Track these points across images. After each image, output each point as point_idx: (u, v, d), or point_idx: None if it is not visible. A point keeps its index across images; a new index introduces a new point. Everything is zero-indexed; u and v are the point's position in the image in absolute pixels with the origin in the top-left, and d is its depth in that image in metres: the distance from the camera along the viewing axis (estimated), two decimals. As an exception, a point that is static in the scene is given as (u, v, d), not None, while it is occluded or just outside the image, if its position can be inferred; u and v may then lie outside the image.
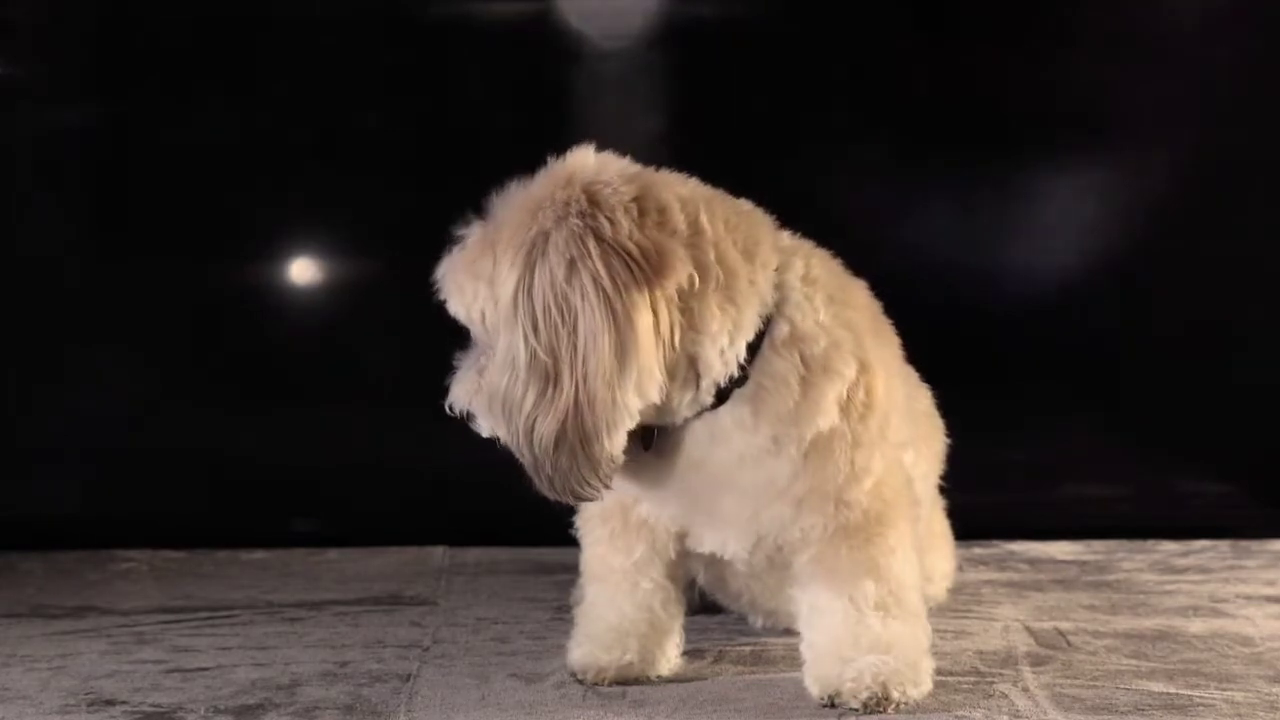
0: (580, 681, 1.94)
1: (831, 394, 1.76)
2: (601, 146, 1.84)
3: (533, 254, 1.70)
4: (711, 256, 1.73)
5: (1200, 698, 1.84)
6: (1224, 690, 1.87)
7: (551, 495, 1.75)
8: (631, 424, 1.71)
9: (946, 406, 2.25)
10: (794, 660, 1.93)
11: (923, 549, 2.06)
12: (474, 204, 3.22)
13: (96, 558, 2.98)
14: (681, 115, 3.12)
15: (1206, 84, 3.10)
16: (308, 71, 3.13)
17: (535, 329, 1.68)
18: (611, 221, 1.69)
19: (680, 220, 1.74)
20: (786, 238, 1.87)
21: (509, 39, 3.13)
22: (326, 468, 3.12)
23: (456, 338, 1.85)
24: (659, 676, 1.94)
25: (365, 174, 3.14)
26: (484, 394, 1.77)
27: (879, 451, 1.81)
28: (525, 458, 1.73)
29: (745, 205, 1.85)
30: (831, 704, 1.79)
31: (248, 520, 3.15)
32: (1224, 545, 2.96)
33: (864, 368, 1.79)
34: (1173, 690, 1.88)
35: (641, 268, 1.68)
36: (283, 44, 3.13)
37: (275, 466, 3.13)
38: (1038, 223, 3.14)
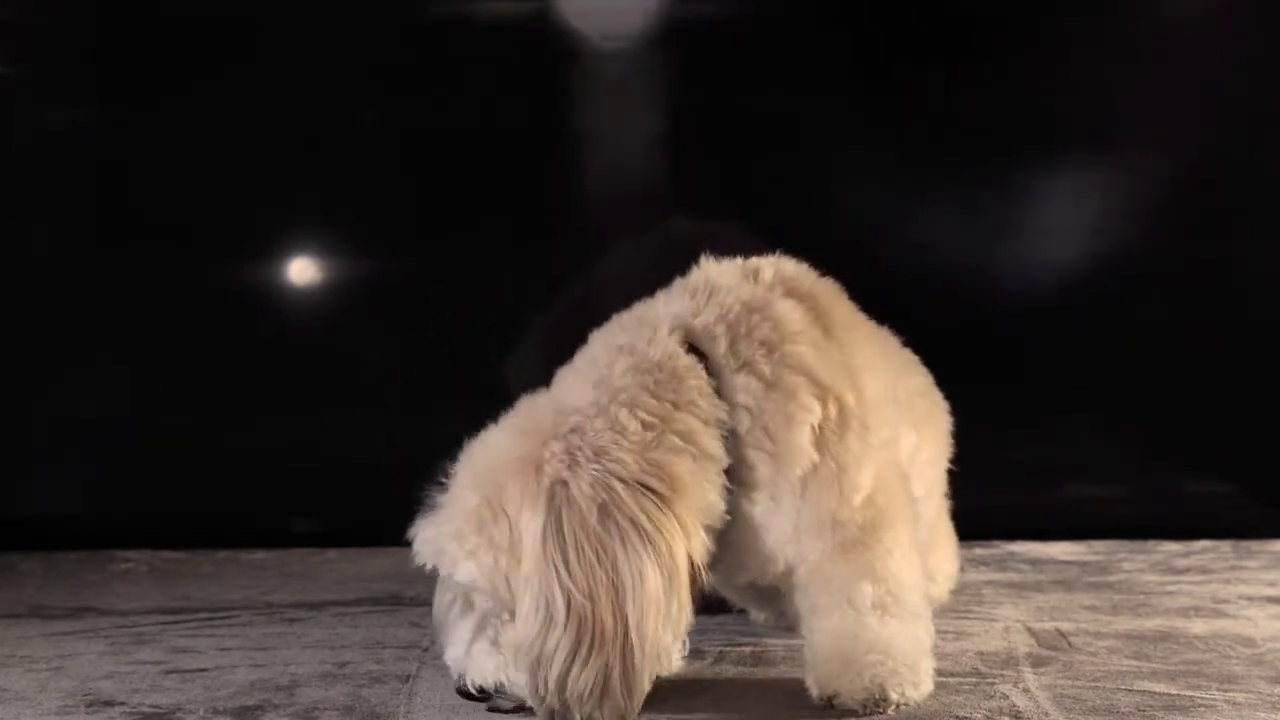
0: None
1: (801, 439, 1.78)
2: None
3: (555, 502, 1.67)
4: (678, 440, 1.73)
5: (1202, 699, 1.84)
6: (1225, 691, 1.87)
7: None
8: (667, 667, 1.72)
9: (947, 406, 2.25)
10: (794, 661, 1.93)
11: (927, 548, 2.05)
12: (473, 203, 3.24)
13: (95, 558, 2.98)
14: (681, 115, 3.12)
15: (1206, 84, 3.10)
16: (308, 71, 3.13)
17: (571, 575, 1.65)
18: (620, 461, 1.69)
19: (638, 429, 1.73)
20: (683, 309, 1.84)
21: (509, 39, 3.13)
22: (326, 468, 3.12)
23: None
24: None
25: (365, 174, 3.14)
26: (510, 657, 1.72)
27: (865, 465, 1.82)
28: (553, 707, 1.67)
29: (633, 343, 1.81)
30: (830, 704, 1.79)
31: (248, 520, 3.15)
32: (1225, 546, 2.96)
33: (824, 394, 1.80)
34: (1174, 691, 1.87)
35: (665, 497, 1.69)
36: (282, 44, 3.13)
37: (275, 466, 3.13)
38: (1038, 223, 3.13)
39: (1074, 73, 3.10)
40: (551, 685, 1.66)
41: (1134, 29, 3.13)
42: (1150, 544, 2.99)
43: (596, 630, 1.64)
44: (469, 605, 1.77)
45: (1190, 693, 1.86)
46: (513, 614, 1.72)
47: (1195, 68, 3.09)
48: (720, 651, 2.09)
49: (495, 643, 1.74)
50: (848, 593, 1.81)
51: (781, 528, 1.82)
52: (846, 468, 1.80)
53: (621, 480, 1.68)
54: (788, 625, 2.12)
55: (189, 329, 3.16)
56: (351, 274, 3.21)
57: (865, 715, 1.76)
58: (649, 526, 1.66)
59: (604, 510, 1.66)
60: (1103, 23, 3.12)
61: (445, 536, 1.73)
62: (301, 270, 3.19)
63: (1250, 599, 2.45)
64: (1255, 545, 2.96)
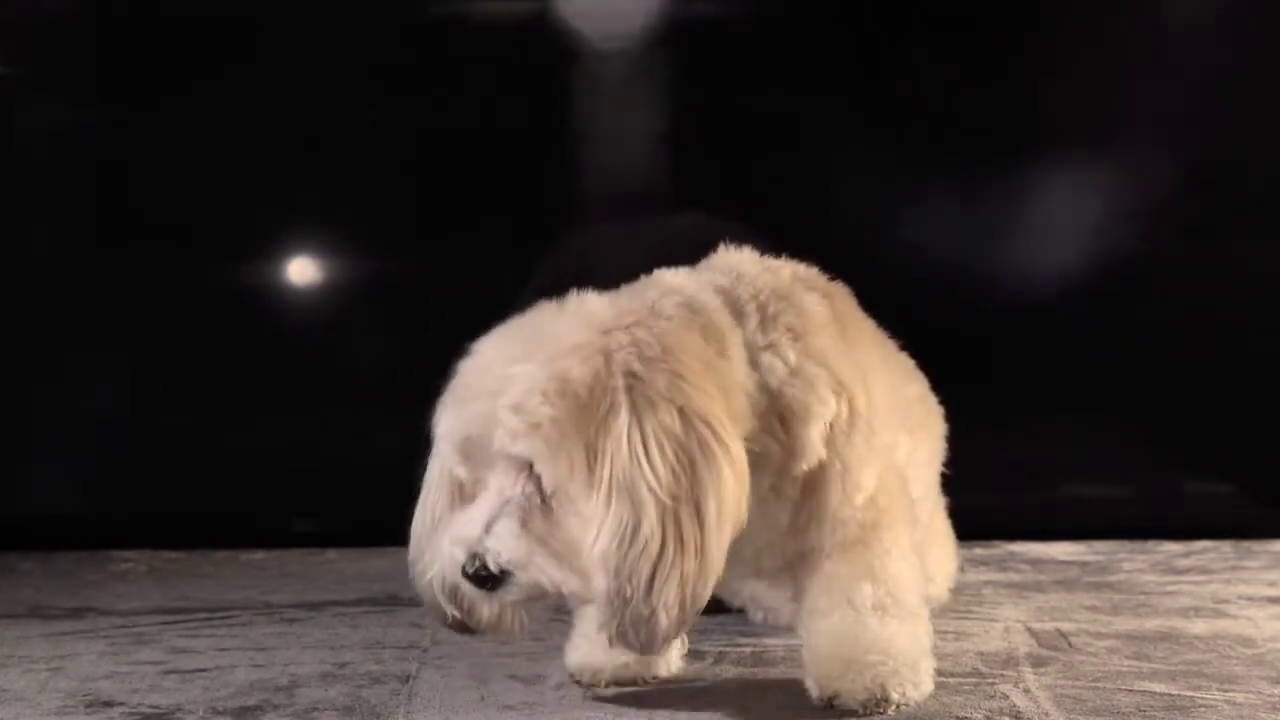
0: (578, 683, 1.93)
1: (814, 435, 1.77)
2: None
3: (634, 396, 1.62)
4: (719, 391, 1.70)
5: (1202, 699, 1.83)
6: (1226, 691, 1.87)
7: (635, 649, 1.65)
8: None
9: (946, 407, 2.24)
10: (794, 661, 1.93)
11: (924, 549, 2.05)
12: (473, 203, 3.24)
13: (94, 558, 2.98)
14: (681, 115, 3.12)
15: (1206, 84, 3.10)
16: (308, 71, 3.13)
17: (657, 476, 1.60)
18: (689, 366, 1.66)
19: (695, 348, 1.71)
20: (718, 278, 1.83)
21: (509, 39, 3.14)
22: (326, 468, 3.12)
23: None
24: (656, 678, 1.94)
25: (365, 174, 3.15)
26: (548, 547, 1.64)
27: (869, 466, 1.81)
28: (640, 612, 1.61)
29: (680, 287, 1.80)
30: (831, 705, 1.79)
31: (247, 520, 3.15)
32: (1226, 546, 2.96)
33: (840, 391, 1.79)
34: (1174, 691, 1.87)
35: (728, 411, 1.67)
36: (283, 44, 3.13)
37: (275, 466, 3.13)
38: (1038, 223, 3.14)
39: (1074, 73, 3.11)
40: (640, 591, 1.60)
41: (1134, 29, 3.13)
42: (1150, 544, 2.99)
43: (676, 534, 1.60)
44: (473, 492, 1.71)
45: (1191, 693, 1.86)
46: (545, 497, 1.64)
47: (1195, 68, 3.09)
48: (720, 651, 2.09)
49: (525, 526, 1.65)
50: (848, 593, 1.81)
51: (781, 517, 1.81)
52: (851, 467, 1.79)
53: (690, 384, 1.64)
54: (787, 625, 2.12)
55: (189, 329, 3.16)
56: (351, 274, 3.21)
57: (865, 716, 1.76)
58: (722, 430, 1.63)
59: (683, 415, 1.62)
60: (1103, 23, 3.12)
61: (504, 409, 1.64)
62: (301, 270, 3.19)
63: (1250, 599, 2.45)
64: (1255, 545, 2.96)
